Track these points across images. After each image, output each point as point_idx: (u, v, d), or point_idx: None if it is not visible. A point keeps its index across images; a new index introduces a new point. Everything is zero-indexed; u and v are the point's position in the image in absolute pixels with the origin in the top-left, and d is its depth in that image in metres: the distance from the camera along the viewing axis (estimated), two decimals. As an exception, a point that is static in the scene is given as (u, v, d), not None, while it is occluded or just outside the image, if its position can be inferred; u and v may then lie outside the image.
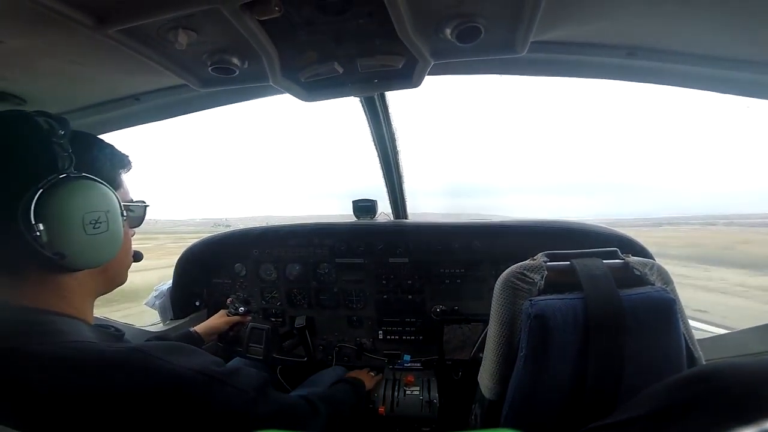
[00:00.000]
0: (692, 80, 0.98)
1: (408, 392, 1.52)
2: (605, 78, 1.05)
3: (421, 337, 1.80)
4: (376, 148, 1.71)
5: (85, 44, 0.77)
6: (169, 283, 1.88)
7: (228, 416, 0.59)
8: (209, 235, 1.96)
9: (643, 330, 0.74)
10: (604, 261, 0.83)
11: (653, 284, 0.82)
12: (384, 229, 1.83)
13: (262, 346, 1.60)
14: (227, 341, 1.66)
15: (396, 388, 1.54)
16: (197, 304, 1.93)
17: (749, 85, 0.94)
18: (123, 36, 0.73)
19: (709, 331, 1.35)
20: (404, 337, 1.81)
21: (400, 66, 0.90)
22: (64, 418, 0.50)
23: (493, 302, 0.87)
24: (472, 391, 1.00)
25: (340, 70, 0.92)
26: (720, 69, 0.90)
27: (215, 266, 1.96)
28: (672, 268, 0.84)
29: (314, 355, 1.85)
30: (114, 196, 0.65)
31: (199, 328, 1.48)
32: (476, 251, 1.70)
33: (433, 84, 1.11)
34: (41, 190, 0.55)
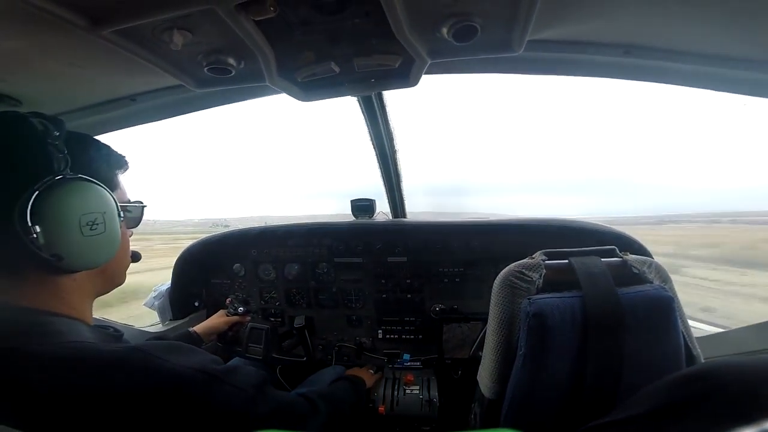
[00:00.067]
0: (689, 79, 0.99)
1: (408, 391, 1.52)
2: (602, 76, 1.05)
3: (420, 336, 1.80)
4: (374, 148, 1.70)
5: (80, 45, 0.77)
6: (168, 283, 1.88)
7: (227, 415, 0.59)
8: (207, 235, 1.96)
9: (641, 328, 0.74)
10: (603, 259, 0.83)
11: (652, 282, 0.82)
12: (382, 228, 1.82)
13: (261, 346, 1.60)
14: (226, 341, 1.66)
15: (396, 387, 1.54)
16: (196, 304, 1.93)
17: (746, 83, 0.94)
18: (118, 37, 0.73)
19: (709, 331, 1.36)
20: (404, 336, 1.81)
21: (397, 65, 0.90)
22: (64, 418, 0.51)
23: (491, 301, 0.87)
24: (471, 390, 1.00)
25: (337, 70, 0.92)
26: (716, 67, 0.90)
27: (214, 266, 1.95)
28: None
29: (314, 354, 1.85)
30: (111, 197, 0.65)
31: (198, 328, 1.48)
32: (475, 250, 1.70)
33: (430, 83, 1.11)
34: (37, 192, 0.55)
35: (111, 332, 0.71)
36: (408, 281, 1.78)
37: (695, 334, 0.85)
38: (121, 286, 0.77)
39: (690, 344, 0.82)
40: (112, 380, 0.53)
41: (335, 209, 2.18)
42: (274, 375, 1.81)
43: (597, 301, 0.75)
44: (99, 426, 0.51)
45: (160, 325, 1.80)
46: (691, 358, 0.81)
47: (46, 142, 0.57)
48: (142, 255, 0.84)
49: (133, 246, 0.81)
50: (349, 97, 1.21)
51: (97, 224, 0.61)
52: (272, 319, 1.93)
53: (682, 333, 0.79)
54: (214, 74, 0.89)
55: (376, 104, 1.44)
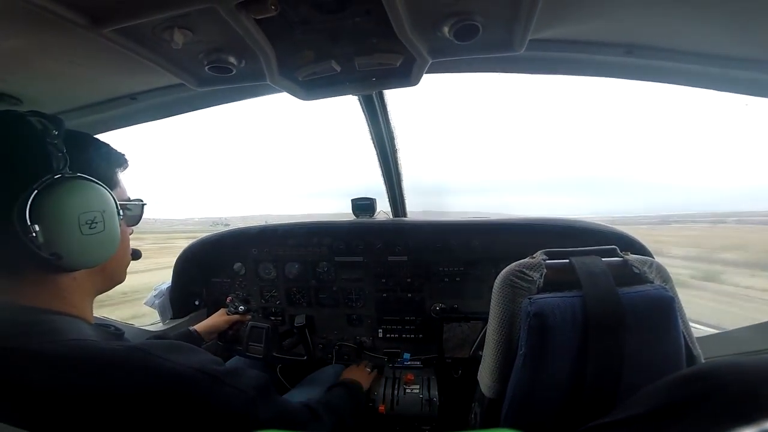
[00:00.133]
0: (690, 79, 0.98)
1: (408, 391, 1.52)
2: (604, 76, 1.05)
3: (420, 336, 1.80)
4: (375, 147, 1.70)
5: (81, 44, 0.77)
6: (169, 282, 1.88)
7: (227, 416, 0.59)
8: (205, 234, 1.96)
9: (642, 328, 0.74)
10: (603, 259, 0.83)
11: (652, 282, 0.82)
12: (383, 227, 1.82)
13: (261, 345, 1.60)
14: (227, 340, 1.66)
15: (396, 387, 1.54)
16: (196, 303, 1.93)
17: (747, 83, 0.94)
18: (118, 36, 0.73)
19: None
20: (404, 336, 1.81)
21: (398, 64, 0.90)
22: (64, 417, 0.51)
23: (492, 300, 0.87)
24: (471, 390, 1.00)
25: (338, 69, 0.92)
26: (718, 67, 0.90)
27: (214, 265, 1.95)
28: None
29: (314, 353, 1.85)
30: (110, 196, 0.65)
31: (198, 327, 1.48)
32: (475, 249, 1.70)
33: (431, 82, 1.10)
34: (36, 191, 0.55)
35: (112, 331, 0.71)
36: (408, 280, 1.78)
37: (695, 334, 0.85)
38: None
39: (690, 344, 0.82)
40: (112, 379, 0.53)
41: (336, 208, 2.18)
42: (274, 374, 1.81)
43: (597, 300, 0.75)
44: (99, 425, 0.51)
45: (161, 324, 1.80)
46: (691, 358, 0.81)
47: (45, 141, 0.57)
48: (142, 252, 0.84)
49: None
50: (349, 96, 1.21)
51: (97, 223, 0.61)
52: (273, 317, 1.94)
53: (683, 333, 0.79)
54: (214, 73, 0.89)
55: (377, 103, 1.43)
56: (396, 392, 1.51)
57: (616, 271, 0.81)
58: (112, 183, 0.69)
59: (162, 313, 1.83)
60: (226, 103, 1.28)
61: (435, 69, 0.96)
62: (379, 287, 1.81)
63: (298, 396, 1.44)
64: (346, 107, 1.50)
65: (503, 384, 0.84)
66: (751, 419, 0.32)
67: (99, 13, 0.66)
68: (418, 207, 2.14)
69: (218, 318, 1.60)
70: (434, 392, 1.50)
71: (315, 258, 1.85)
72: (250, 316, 1.68)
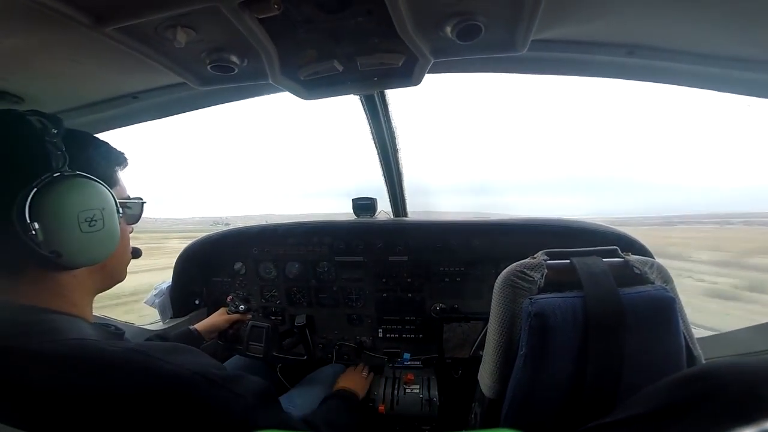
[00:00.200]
0: (692, 79, 0.98)
1: (408, 390, 1.52)
2: (606, 77, 1.05)
3: (420, 336, 1.80)
4: (376, 147, 1.70)
5: (83, 43, 0.77)
6: (169, 281, 1.88)
7: (225, 422, 0.58)
8: (205, 233, 1.96)
9: (642, 329, 0.75)
10: (604, 259, 0.83)
11: (653, 283, 0.82)
12: (383, 227, 1.82)
13: (262, 345, 1.61)
14: (227, 339, 1.66)
15: (396, 387, 1.54)
16: (197, 302, 1.93)
17: (749, 84, 0.94)
18: (121, 34, 0.73)
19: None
20: (404, 336, 1.81)
21: (400, 64, 0.90)
22: (63, 417, 0.50)
23: (493, 301, 0.87)
24: (472, 390, 1.00)
25: (340, 68, 0.92)
26: (720, 68, 0.90)
27: (214, 265, 1.96)
28: None
29: (314, 353, 1.85)
30: (109, 194, 0.65)
31: (199, 326, 1.48)
32: (476, 250, 1.70)
33: (433, 82, 1.10)
34: (35, 189, 0.55)
35: (112, 330, 0.71)
36: (409, 280, 1.78)
37: (696, 334, 0.85)
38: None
39: (691, 345, 0.82)
40: (112, 380, 0.53)
41: (336, 208, 2.18)
42: (274, 373, 1.81)
43: (598, 301, 0.75)
44: (98, 425, 0.51)
45: (161, 323, 1.80)
46: (692, 358, 0.81)
47: (45, 140, 0.57)
48: (142, 251, 0.84)
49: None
50: (351, 95, 1.21)
51: (96, 220, 0.61)
52: (273, 317, 1.94)
53: (683, 333, 0.79)
54: (217, 72, 0.89)
55: (378, 103, 1.44)
56: (396, 392, 1.51)
57: (617, 271, 0.81)
58: (111, 181, 0.69)
59: (162, 313, 1.83)
60: (228, 102, 1.28)
61: (437, 69, 0.96)
62: (379, 287, 1.81)
63: (298, 395, 1.44)
64: (348, 107, 1.50)
65: (503, 384, 0.84)
66: (751, 419, 0.32)
67: (102, 12, 0.67)
68: (419, 207, 2.14)
69: (218, 317, 1.60)
70: (434, 392, 1.50)
71: (315, 258, 1.85)
72: (250, 316, 1.68)
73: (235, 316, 1.62)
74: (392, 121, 1.58)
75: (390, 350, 1.82)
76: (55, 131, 0.58)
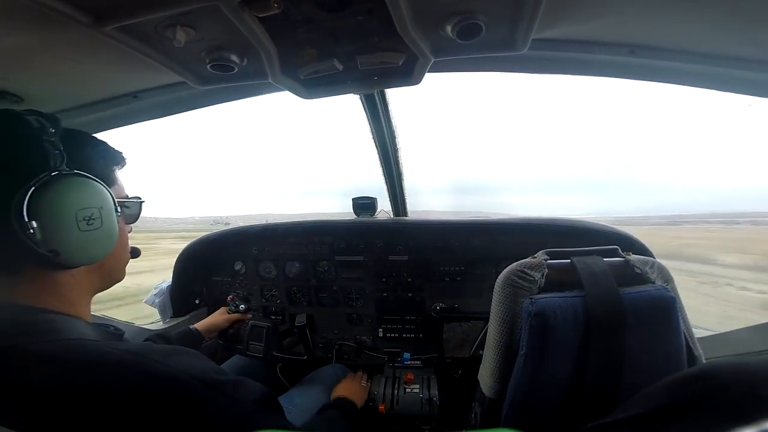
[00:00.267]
0: (693, 79, 0.98)
1: (408, 390, 1.52)
2: (607, 76, 1.05)
3: (421, 335, 1.80)
4: (376, 146, 1.70)
5: (83, 42, 0.77)
6: (169, 281, 1.88)
7: (222, 427, 0.57)
8: (205, 233, 1.96)
9: (643, 328, 0.74)
10: (605, 259, 0.83)
11: (654, 282, 0.82)
12: (384, 226, 1.82)
13: (262, 344, 1.61)
14: (227, 339, 1.66)
15: (396, 386, 1.54)
16: (197, 302, 1.93)
17: (750, 83, 0.94)
18: (121, 33, 0.73)
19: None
20: (404, 335, 1.81)
21: (400, 63, 0.90)
22: (60, 417, 0.50)
23: (493, 300, 0.87)
24: (472, 389, 1.00)
25: (340, 68, 0.92)
26: (721, 68, 0.90)
27: (214, 264, 1.96)
28: None
29: (314, 353, 1.85)
30: (107, 192, 0.65)
31: (199, 325, 1.48)
32: (476, 249, 1.70)
33: (433, 81, 1.10)
34: (33, 188, 0.55)
35: (111, 330, 0.71)
36: (409, 280, 1.78)
37: (696, 334, 0.85)
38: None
39: (691, 344, 0.82)
40: (109, 381, 0.52)
41: (336, 207, 2.18)
42: (274, 373, 1.81)
43: (599, 300, 0.75)
44: (95, 426, 0.51)
45: (161, 323, 1.80)
46: (692, 358, 0.81)
47: (42, 139, 0.57)
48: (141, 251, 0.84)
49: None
50: (351, 94, 1.21)
51: (94, 219, 0.61)
52: (273, 316, 1.94)
53: (684, 333, 0.79)
54: (216, 71, 0.89)
55: (378, 102, 1.43)
56: (396, 392, 1.51)
57: (618, 271, 0.81)
58: (109, 180, 0.69)
59: (162, 312, 1.83)
60: (228, 101, 1.28)
61: (437, 68, 0.96)
62: (379, 286, 1.81)
63: (298, 395, 1.44)
64: (348, 106, 1.50)
65: (504, 384, 0.84)
66: (751, 419, 0.32)
67: (102, 11, 0.67)
68: (420, 207, 2.14)
69: (219, 316, 1.60)
70: (434, 392, 1.50)
71: (315, 257, 1.85)
72: (250, 315, 1.68)
73: (236, 315, 1.62)
74: (392, 121, 1.57)
75: (390, 350, 1.82)
76: (53, 130, 0.58)
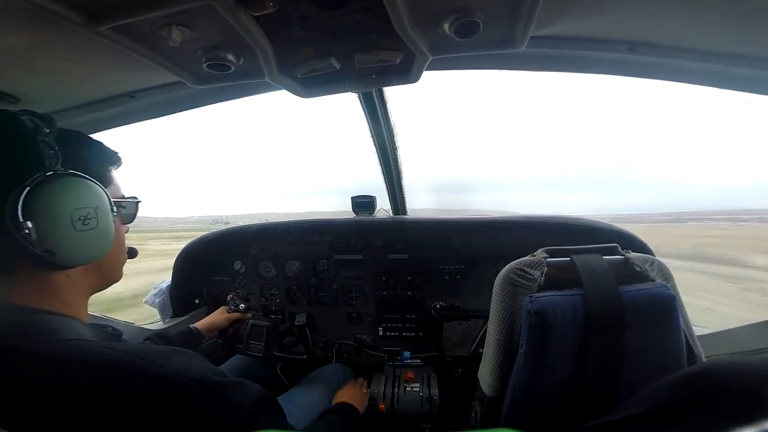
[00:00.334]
0: (691, 76, 0.98)
1: (408, 389, 1.52)
2: (606, 73, 1.04)
3: (421, 334, 1.80)
4: (375, 144, 1.69)
5: (79, 42, 0.76)
6: (169, 280, 1.88)
7: (222, 429, 0.57)
8: (204, 233, 1.96)
9: (643, 326, 0.74)
10: (604, 257, 0.83)
11: (653, 280, 0.81)
12: (383, 225, 1.82)
13: (262, 344, 1.61)
14: (227, 338, 1.66)
15: (396, 385, 1.54)
16: (197, 301, 1.93)
17: (748, 81, 0.94)
18: (115, 33, 0.72)
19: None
20: (404, 334, 1.81)
21: (398, 61, 0.89)
22: (57, 418, 0.50)
23: (492, 299, 0.86)
24: (472, 388, 1.00)
25: (337, 66, 0.91)
26: (721, 65, 0.90)
27: (214, 264, 1.96)
28: None
29: (314, 352, 1.86)
30: (103, 192, 0.64)
31: (199, 324, 1.48)
32: (475, 247, 1.70)
33: (431, 79, 1.10)
34: (28, 188, 0.55)
35: (109, 331, 0.70)
36: (408, 278, 1.78)
37: (696, 332, 0.85)
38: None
39: (691, 343, 0.81)
40: (106, 382, 0.52)
41: (336, 206, 2.18)
42: (274, 372, 1.81)
43: (598, 299, 0.75)
44: (93, 427, 0.51)
45: (161, 323, 1.80)
46: (692, 356, 0.81)
47: (37, 139, 0.57)
48: (138, 251, 0.84)
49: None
50: (349, 93, 1.20)
51: (90, 219, 0.61)
52: (273, 316, 1.94)
53: (684, 331, 0.78)
54: (213, 71, 0.88)
55: (376, 100, 1.43)
56: (396, 390, 1.51)
57: (618, 269, 0.81)
58: (105, 180, 0.69)
59: (162, 312, 1.83)
60: (226, 100, 1.28)
61: (435, 66, 0.95)
62: (379, 285, 1.81)
63: (298, 394, 1.44)
64: (346, 105, 1.49)
65: (504, 382, 0.84)
66: (751, 419, 0.32)
67: (95, 11, 0.66)
68: (419, 205, 2.13)
69: (219, 316, 1.59)
70: (434, 390, 1.50)
71: (315, 256, 1.85)
72: (250, 315, 1.68)
73: (235, 314, 1.62)
74: (391, 119, 1.57)
75: (390, 348, 1.82)
76: (48, 130, 0.58)
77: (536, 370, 0.76)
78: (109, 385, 0.52)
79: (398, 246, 1.77)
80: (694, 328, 0.84)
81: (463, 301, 1.73)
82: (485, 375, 0.88)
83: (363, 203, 1.92)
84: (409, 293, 1.79)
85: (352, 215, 1.94)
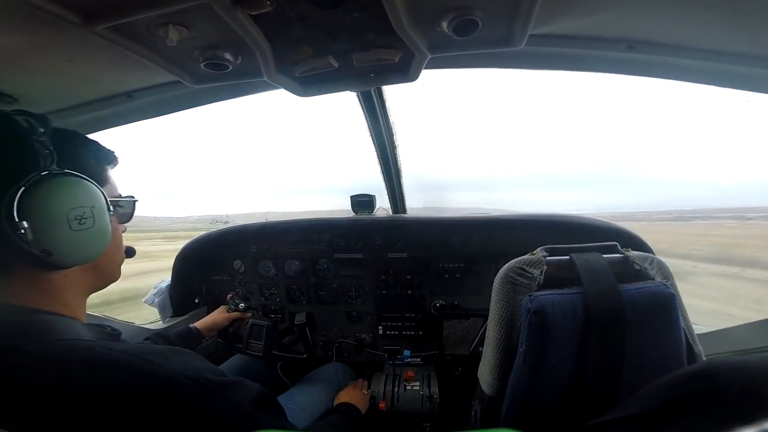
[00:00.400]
0: (692, 74, 0.97)
1: (408, 388, 1.52)
2: (605, 72, 1.04)
3: (420, 333, 1.80)
4: (374, 143, 1.69)
5: (76, 42, 0.76)
6: (168, 280, 1.88)
7: (221, 429, 0.57)
8: (203, 232, 1.96)
9: (642, 325, 0.74)
10: (604, 255, 0.83)
11: (653, 279, 0.81)
12: (382, 224, 1.82)
13: (262, 343, 1.61)
14: (227, 337, 1.66)
15: (396, 384, 1.54)
16: (196, 301, 1.93)
17: (748, 79, 0.94)
18: (112, 33, 0.72)
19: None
20: (404, 333, 1.81)
21: (397, 60, 0.89)
22: (57, 418, 0.50)
23: (492, 298, 0.86)
24: (472, 386, 1.00)
25: (336, 65, 0.91)
26: (720, 63, 0.89)
27: (214, 263, 1.95)
28: None
29: (314, 351, 1.86)
30: (99, 192, 0.64)
31: (199, 324, 1.48)
32: (475, 246, 1.70)
33: (430, 78, 1.09)
34: (23, 188, 0.55)
35: (108, 331, 0.70)
36: (408, 277, 1.78)
37: (696, 331, 0.85)
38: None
39: (691, 341, 0.81)
40: (106, 382, 0.52)
41: (335, 205, 2.18)
42: (274, 371, 1.81)
43: (598, 297, 0.75)
44: (92, 427, 0.51)
45: (161, 322, 1.80)
46: (692, 355, 0.81)
47: (32, 139, 0.57)
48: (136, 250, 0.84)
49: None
50: (348, 92, 1.20)
51: (86, 218, 0.61)
52: (273, 315, 1.94)
53: (684, 330, 0.78)
54: (211, 70, 0.88)
55: (375, 99, 1.42)
56: (396, 389, 1.51)
57: (617, 267, 0.81)
58: (101, 180, 0.69)
59: (162, 311, 1.83)
60: (224, 100, 1.27)
61: (434, 64, 0.95)
62: (378, 284, 1.81)
63: (298, 393, 1.44)
64: (345, 103, 1.49)
65: (503, 381, 0.84)
66: (751, 419, 0.32)
67: (92, 11, 0.66)
68: (419, 203, 2.13)
69: (218, 315, 1.60)
70: (434, 389, 1.50)
71: (314, 255, 1.85)
72: (250, 314, 1.68)
73: (235, 314, 1.62)
74: (390, 118, 1.56)
75: (390, 347, 1.82)
76: (42, 130, 0.58)
77: (536, 368, 0.76)
78: (109, 385, 0.52)
79: (398, 245, 1.77)
80: (693, 326, 0.84)
81: (463, 299, 1.73)
82: (485, 374, 0.88)
83: (362, 202, 1.91)
84: (409, 292, 1.79)
85: (352, 214, 1.94)
